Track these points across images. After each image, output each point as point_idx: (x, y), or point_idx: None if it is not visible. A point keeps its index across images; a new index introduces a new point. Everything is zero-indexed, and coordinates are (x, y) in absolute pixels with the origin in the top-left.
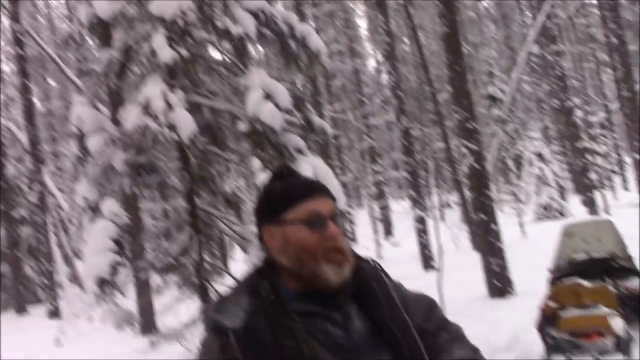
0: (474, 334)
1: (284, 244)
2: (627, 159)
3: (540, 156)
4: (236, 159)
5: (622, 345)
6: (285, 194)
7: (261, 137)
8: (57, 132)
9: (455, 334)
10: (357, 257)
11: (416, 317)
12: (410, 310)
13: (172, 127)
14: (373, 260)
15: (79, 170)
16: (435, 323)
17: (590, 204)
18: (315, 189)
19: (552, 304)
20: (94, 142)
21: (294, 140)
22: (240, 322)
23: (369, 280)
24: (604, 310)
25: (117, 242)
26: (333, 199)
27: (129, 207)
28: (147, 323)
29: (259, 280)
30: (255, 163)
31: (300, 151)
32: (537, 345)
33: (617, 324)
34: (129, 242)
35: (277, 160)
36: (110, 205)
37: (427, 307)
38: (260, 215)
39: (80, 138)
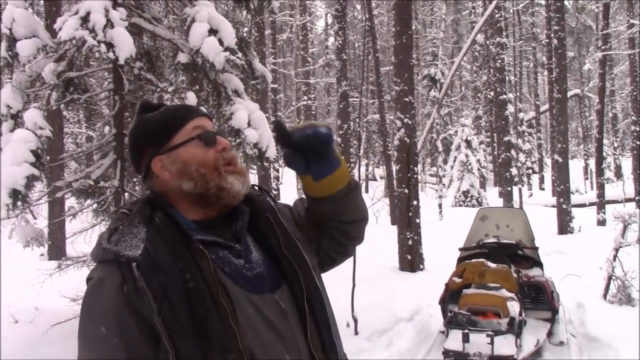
0: (380, 302)
1: (182, 168)
2: (547, 161)
3: (468, 143)
4: (171, 90)
5: (515, 327)
6: (169, 120)
7: (200, 72)
8: None
9: None
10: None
11: (300, 212)
12: (293, 216)
13: (109, 46)
14: (259, 187)
15: (5, 75)
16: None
17: (507, 197)
18: (194, 109)
19: (457, 281)
20: (24, 47)
21: (233, 81)
22: (140, 252)
23: (263, 210)
24: (504, 292)
25: (36, 154)
26: (211, 119)
27: (52, 124)
28: (55, 247)
29: (151, 211)
30: (191, 98)
31: (237, 93)
32: (435, 319)
33: (514, 307)
34: (48, 160)
35: (212, 98)
36: (34, 116)
37: (300, 199)
38: (144, 149)
39: (10, 40)
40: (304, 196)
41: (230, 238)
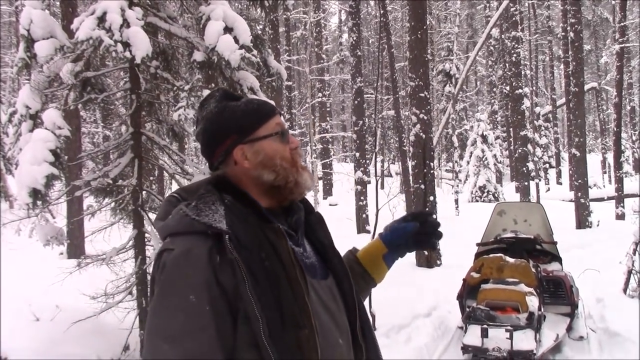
0: (398, 298)
1: (266, 160)
2: (565, 155)
3: (484, 138)
4: (187, 89)
5: (534, 322)
6: (256, 112)
7: (216, 70)
8: (1, 38)
9: None
10: None
11: None
12: None
13: (126, 45)
14: None
15: (23, 76)
16: None
17: (524, 192)
18: (276, 107)
19: (475, 276)
20: (42, 48)
21: (249, 78)
22: (226, 226)
23: (312, 207)
24: (522, 287)
25: (55, 154)
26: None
27: (70, 124)
28: (74, 245)
29: (220, 194)
30: None
31: (253, 91)
32: (453, 315)
33: (533, 302)
34: (66, 159)
35: None
36: (52, 116)
37: None
38: (228, 136)
39: (28, 41)
40: None
41: (287, 228)
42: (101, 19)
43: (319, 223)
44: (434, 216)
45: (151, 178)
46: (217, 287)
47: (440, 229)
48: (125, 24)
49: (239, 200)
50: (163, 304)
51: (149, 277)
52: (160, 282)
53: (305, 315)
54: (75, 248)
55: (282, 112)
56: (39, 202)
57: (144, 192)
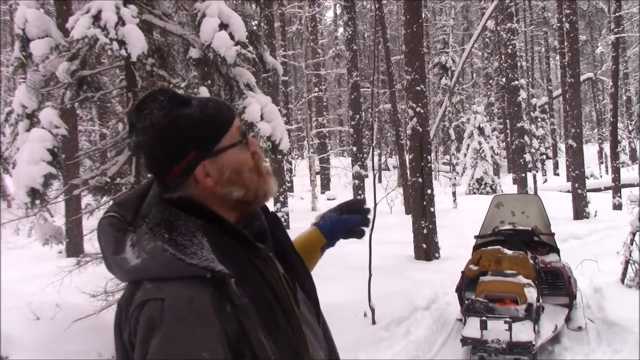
0: (397, 291)
1: (232, 175)
2: (561, 146)
3: (481, 130)
4: (184, 86)
5: (533, 313)
6: (218, 120)
7: (212, 67)
8: None
9: None
10: None
11: None
12: None
13: (121, 43)
14: None
15: (19, 75)
16: None
17: (521, 184)
18: (232, 107)
19: (473, 268)
20: (37, 47)
21: (245, 74)
22: (221, 265)
23: (267, 207)
24: (521, 279)
25: (52, 152)
26: None
27: (67, 122)
28: (73, 244)
29: (187, 218)
30: (203, 93)
31: (249, 87)
32: (452, 307)
33: (531, 293)
34: (64, 158)
35: (225, 93)
36: (49, 115)
37: None
38: (187, 153)
39: (24, 41)
40: None
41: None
42: (96, 17)
43: (277, 224)
44: (365, 205)
45: (150, 176)
46: (225, 338)
47: (369, 216)
48: (121, 22)
49: (210, 224)
50: None
51: None
52: (160, 340)
53: (303, 344)
54: (74, 246)
55: (279, 107)
56: (37, 201)
57: None
